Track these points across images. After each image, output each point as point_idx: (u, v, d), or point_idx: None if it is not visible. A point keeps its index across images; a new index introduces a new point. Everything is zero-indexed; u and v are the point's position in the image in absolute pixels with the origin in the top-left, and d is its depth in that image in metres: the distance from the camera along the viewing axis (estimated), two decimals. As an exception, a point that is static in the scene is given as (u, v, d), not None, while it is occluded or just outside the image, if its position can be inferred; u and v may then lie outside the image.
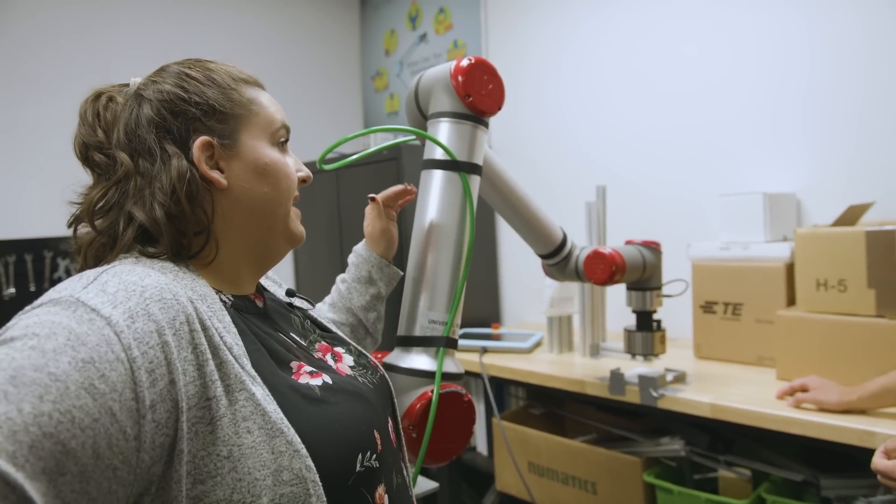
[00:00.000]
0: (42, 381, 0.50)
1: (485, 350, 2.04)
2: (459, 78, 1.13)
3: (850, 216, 1.53)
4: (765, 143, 1.92)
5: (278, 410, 0.65)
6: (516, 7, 2.63)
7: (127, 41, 2.68)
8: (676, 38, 2.11)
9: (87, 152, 0.75)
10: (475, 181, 1.17)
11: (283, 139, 0.81)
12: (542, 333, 2.18)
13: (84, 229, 0.75)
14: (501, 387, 2.24)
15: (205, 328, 0.65)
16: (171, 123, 0.73)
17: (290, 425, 0.65)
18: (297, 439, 0.64)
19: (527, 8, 2.58)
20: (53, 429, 0.48)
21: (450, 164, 1.14)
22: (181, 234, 0.72)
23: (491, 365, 1.94)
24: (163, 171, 0.71)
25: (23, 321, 0.56)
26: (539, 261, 1.60)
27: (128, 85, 0.78)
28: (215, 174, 0.74)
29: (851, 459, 1.47)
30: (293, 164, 0.83)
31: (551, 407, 2.07)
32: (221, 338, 0.66)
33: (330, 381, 0.75)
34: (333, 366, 0.82)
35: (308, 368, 0.75)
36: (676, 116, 2.12)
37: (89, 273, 0.64)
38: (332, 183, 2.76)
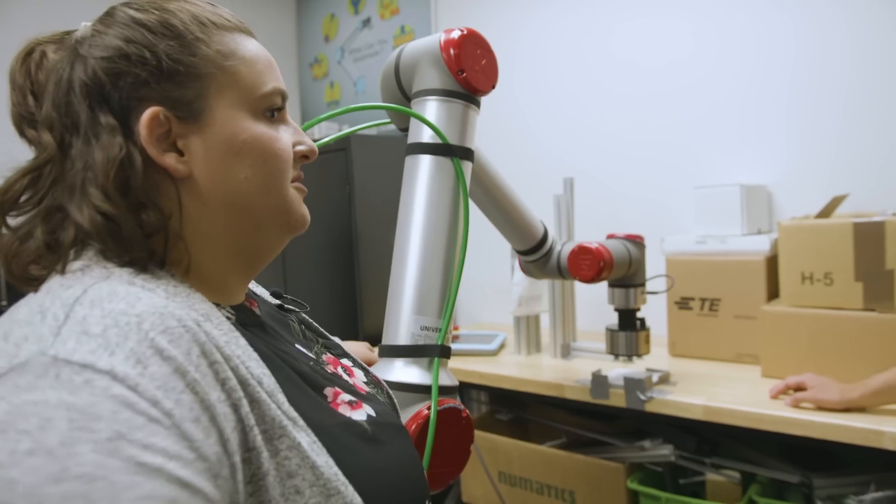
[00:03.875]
0: (75, 491, 0.36)
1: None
2: (451, 51, 1.00)
3: (829, 208, 1.49)
4: (734, 135, 1.88)
5: (331, 463, 0.50)
6: (468, -8, 2.51)
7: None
8: (648, 28, 2.05)
9: (21, 126, 0.57)
10: (468, 168, 1.05)
11: (274, 107, 0.62)
12: (506, 334, 2.07)
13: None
14: (462, 391, 2.12)
15: (226, 358, 0.48)
16: (108, 90, 0.54)
17: (346, 481, 0.50)
18: (357, 500, 0.50)
19: (479, -7, 2.47)
20: None
21: (441, 149, 1.00)
22: (123, 240, 0.53)
23: (455, 369, 1.81)
24: (93, 155, 0.53)
25: None
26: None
27: (69, 34, 0.59)
28: (169, 158, 0.55)
29: (836, 456, 1.44)
30: (289, 136, 0.64)
31: (517, 411, 1.96)
32: (247, 368, 0.50)
33: (374, 414, 0.61)
34: (351, 382, 0.67)
35: (346, 397, 0.60)
36: (643, 108, 2.06)
37: (52, 306, 0.46)
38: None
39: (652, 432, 1.61)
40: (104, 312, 0.44)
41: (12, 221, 0.56)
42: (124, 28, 0.56)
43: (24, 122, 0.57)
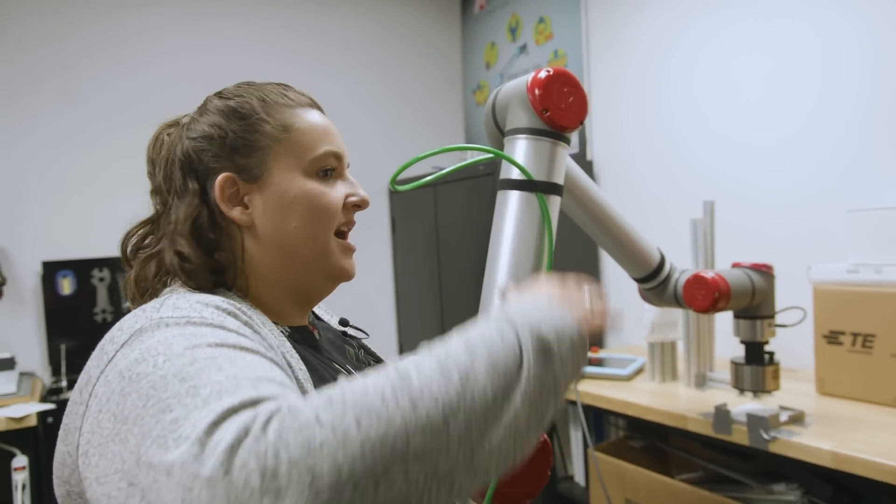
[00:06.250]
0: (206, 364, 0.50)
1: (581, 375, 1.92)
2: (536, 91, 1.05)
3: None
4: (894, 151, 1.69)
5: None
6: (618, 13, 2.50)
7: (232, 53, 2.79)
8: (794, 38, 1.91)
9: (151, 192, 0.78)
10: (554, 202, 1.09)
11: (327, 167, 0.76)
12: (644, 359, 2.03)
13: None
14: (601, 415, 2.11)
15: (271, 346, 0.63)
16: (195, 162, 0.73)
17: None
18: None
19: (630, 14, 2.45)
20: (263, 372, 0.51)
21: (526, 185, 1.06)
22: (193, 274, 0.70)
23: (586, 392, 1.82)
24: (180, 210, 0.71)
25: (118, 367, 0.53)
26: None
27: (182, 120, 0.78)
28: (235, 212, 0.72)
29: None
30: (344, 189, 0.78)
31: (653, 440, 1.92)
32: (287, 359, 0.64)
33: None
34: None
35: None
36: (794, 121, 1.92)
37: (149, 306, 0.63)
38: (430, 199, 2.74)
39: (789, 476, 1.50)
40: (187, 300, 0.61)
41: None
42: (210, 115, 0.74)
43: (152, 189, 0.77)
